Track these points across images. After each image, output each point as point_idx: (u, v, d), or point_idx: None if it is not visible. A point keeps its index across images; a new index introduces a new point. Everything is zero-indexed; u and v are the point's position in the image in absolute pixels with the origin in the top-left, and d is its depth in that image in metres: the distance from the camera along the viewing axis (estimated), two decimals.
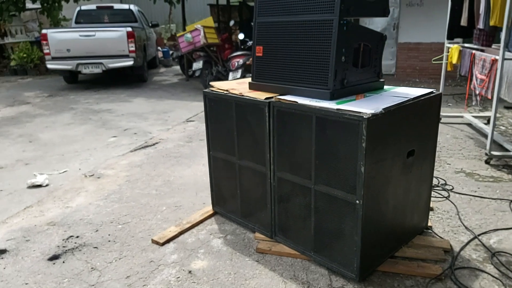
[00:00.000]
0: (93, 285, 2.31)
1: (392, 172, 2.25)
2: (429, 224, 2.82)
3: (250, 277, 2.34)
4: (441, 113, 5.44)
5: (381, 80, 2.61)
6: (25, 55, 11.01)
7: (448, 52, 5.21)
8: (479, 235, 2.70)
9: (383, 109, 2.04)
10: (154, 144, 4.94)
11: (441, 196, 3.29)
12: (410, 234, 2.61)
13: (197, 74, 8.52)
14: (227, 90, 2.68)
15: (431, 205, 3.09)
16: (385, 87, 2.67)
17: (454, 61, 4.94)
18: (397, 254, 2.49)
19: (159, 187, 3.65)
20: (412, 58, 8.92)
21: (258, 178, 2.62)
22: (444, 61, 5.31)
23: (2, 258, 2.61)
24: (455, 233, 2.74)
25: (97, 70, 8.71)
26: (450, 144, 4.59)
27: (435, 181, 3.57)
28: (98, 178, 3.92)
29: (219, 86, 2.79)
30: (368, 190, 2.08)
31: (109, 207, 3.29)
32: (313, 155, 2.24)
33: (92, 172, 4.07)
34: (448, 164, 4.02)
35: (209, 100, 2.82)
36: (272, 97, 2.43)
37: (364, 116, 1.94)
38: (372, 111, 1.98)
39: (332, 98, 2.25)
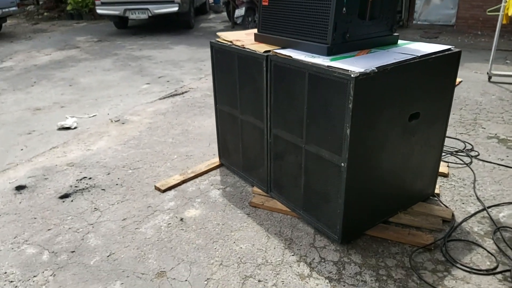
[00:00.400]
0: (91, 224, 2.48)
1: (388, 136, 2.11)
2: (437, 191, 2.67)
3: (236, 229, 2.38)
4: (492, 71, 4.98)
5: (395, 34, 2.39)
6: None
7: (506, 2, 4.63)
8: (489, 207, 2.52)
9: (377, 67, 1.89)
10: (182, 93, 5.00)
11: (462, 163, 3.07)
12: (410, 200, 2.49)
13: (238, 21, 8.34)
14: (231, 42, 2.60)
15: (447, 171, 2.92)
16: (400, 42, 2.45)
17: (510, 12, 4.39)
18: (391, 219, 2.40)
19: (176, 135, 3.73)
20: (476, 7, 8.05)
21: (257, 133, 2.59)
22: (500, 13, 4.74)
23: (21, 193, 2.85)
24: (463, 203, 2.57)
25: (143, 15, 8.80)
26: (492, 107, 4.21)
27: (461, 145, 3.33)
28: (123, 123, 4.08)
29: (225, 36, 2.72)
30: (356, 154, 1.99)
31: (126, 152, 3.44)
32: (305, 113, 2.15)
33: (118, 117, 4.24)
34: (483, 128, 3.71)
35: (215, 51, 2.76)
36: (271, 51, 2.32)
37: (352, 75, 1.81)
38: (362, 70, 1.84)
39: (330, 53, 2.11)
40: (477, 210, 2.50)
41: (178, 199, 2.71)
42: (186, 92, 5.05)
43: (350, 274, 2.03)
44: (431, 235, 2.26)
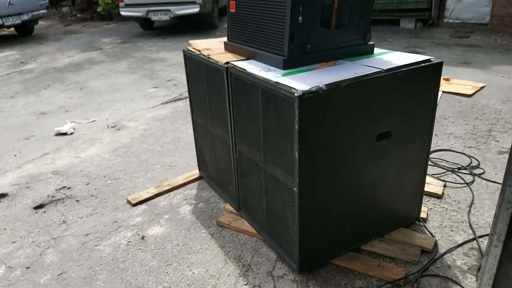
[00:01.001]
0: (54, 238, 2.44)
1: (349, 158, 1.90)
2: (424, 215, 2.41)
3: (195, 251, 2.25)
4: None
5: (370, 43, 2.17)
6: (110, 1, 11.60)
7: None
8: (481, 236, 2.24)
9: (328, 84, 1.69)
10: (186, 98, 4.93)
11: (462, 182, 2.77)
12: (388, 226, 2.26)
13: None
14: (199, 51, 2.47)
15: (441, 192, 2.65)
16: (378, 51, 2.21)
17: None
18: (364, 247, 2.18)
19: (166, 143, 3.66)
20: None
21: (226, 148, 2.45)
22: None
23: (0, 201, 2.87)
24: (452, 230, 2.31)
25: (165, 17, 8.84)
26: None
27: (466, 161, 3.03)
28: (118, 130, 4.06)
29: (195, 45, 2.59)
30: (309, 177, 1.80)
31: (111, 160, 3.40)
32: (261, 131, 1.99)
33: (116, 123, 4.22)
34: (496, 141, 3.36)
35: (188, 59, 2.64)
36: (229, 62, 2.17)
37: (295, 94, 1.63)
38: (307, 88, 1.65)
39: (286, 66, 1.93)
40: (466, 239, 2.23)
41: (146, 214, 2.62)
42: None
43: None
44: (403, 268, 2.02)
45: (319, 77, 1.78)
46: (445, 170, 2.94)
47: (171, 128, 3.99)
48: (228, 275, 2.07)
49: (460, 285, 1.92)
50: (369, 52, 2.17)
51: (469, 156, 3.10)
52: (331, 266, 2.09)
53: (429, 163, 2.97)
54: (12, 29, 9.97)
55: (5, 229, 2.55)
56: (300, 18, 1.86)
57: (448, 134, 3.51)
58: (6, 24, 8.58)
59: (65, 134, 4.01)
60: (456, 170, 2.94)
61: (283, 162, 1.87)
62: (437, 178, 2.82)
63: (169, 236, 2.39)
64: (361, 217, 2.11)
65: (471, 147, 3.27)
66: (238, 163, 2.33)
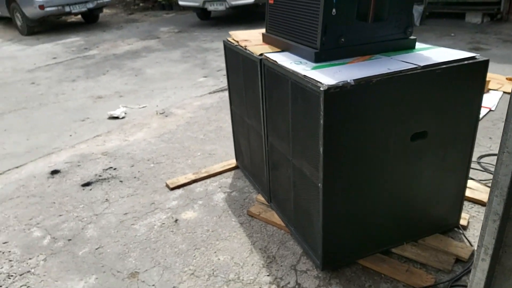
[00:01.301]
0: (96, 214, 2.61)
1: (380, 157, 1.85)
2: (465, 222, 2.29)
3: (223, 238, 2.31)
4: None
5: (411, 37, 2.07)
6: None
7: None
8: None
9: (357, 79, 1.65)
10: None
11: None
12: (423, 230, 2.17)
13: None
14: (237, 42, 2.50)
15: (487, 199, 2.49)
16: (421, 46, 2.11)
17: None
18: (395, 250, 2.12)
19: (208, 132, 3.75)
20: None
21: (259, 139, 2.47)
22: None
23: (53, 177, 3.11)
24: None
25: (221, 7, 8.95)
26: None
27: None
28: (166, 116, 4.22)
29: (235, 36, 2.62)
30: (334, 175, 1.78)
31: (156, 145, 3.55)
32: (290, 124, 1.98)
33: (164, 110, 4.39)
34: None
35: (227, 50, 2.69)
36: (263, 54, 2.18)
37: (321, 88, 1.61)
38: (334, 82, 1.62)
39: (318, 59, 1.91)
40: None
41: (182, 198, 2.72)
42: None
43: None
44: (433, 276, 1.94)
45: (349, 72, 1.74)
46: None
47: (215, 118, 4.08)
48: (252, 264, 2.10)
49: None
50: (410, 47, 2.08)
51: None
52: (357, 266, 2.05)
53: (479, 168, 2.81)
54: (79, 16, 10.61)
55: (54, 203, 2.77)
56: (334, 10, 1.82)
57: None
58: (73, 11, 9.15)
59: (117, 118, 4.23)
60: None
61: (309, 156, 1.85)
62: (485, 185, 2.65)
63: (200, 221, 2.47)
64: (392, 219, 2.05)
65: None
66: (270, 155, 2.34)
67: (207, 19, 10.33)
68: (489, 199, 0.77)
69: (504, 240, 0.80)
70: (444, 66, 1.79)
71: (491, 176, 2.74)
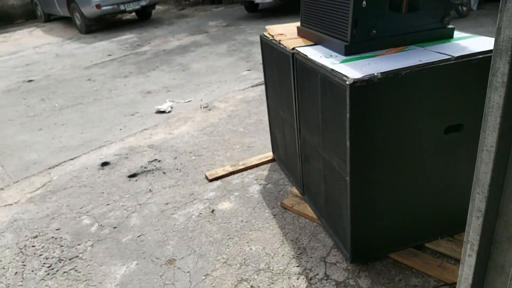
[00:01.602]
0: (140, 204, 2.77)
1: (411, 150, 1.81)
2: None
3: (256, 229, 2.37)
4: None
5: (449, 27, 1.99)
6: None
7: None
8: None
9: (384, 72, 1.62)
10: None
11: None
12: (460, 226, 2.08)
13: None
14: (273, 36, 2.52)
15: None
16: (460, 35, 2.03)
17: None
18: (428, 245, 2.07)
19: (248, 125, 3.82)
20: None
21: (293, 132, 2.49)
22: None
23: (103, 169, 3.33)
24: None
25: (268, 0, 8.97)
26: None
27: None
28: (209, 110, 4.34)
29: (271, 30, 2.64)
30: (362, 168, 1.77)
31: (199, 138, 3.68)
32: (320, 118, 1.99)
33: (208, 104, 4.52)
34: None
35: (264, 44, 2.72)
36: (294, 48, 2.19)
37: (347, 82, 1.60)
38: (360, 76, 1.60)
39: (349, 52, 1.89)
40: None
41: (219, 190, 2.81)
42: None
43: None
44: None
45: (379, 65, 1.71)
46: None
47: (256, 111, 4.13)
48: (283, 255, 2.15)
49: None
50: (448, 36, 2.00)
51: None
52: (388, 260, 2.03)
53: None
54: (134, 14, 11.08)
55: (103, 193, 2.97)
56: (364, 2, 1.80)
57: None
58: (127, 9, 9.58)
59: (163, 112, 4.42)
60: None
61: (338, 150, 1.86)
62: None
63: (235, 212, 2.54)
64: (426, 213, 2.00)
65: None
66: (302, 148, 2.36)
67: (254, 11, 10.38)
68: (471, 196, 0.75)
69: (494, 237, 0.78)
70: (481, 56, 1.71)
71: None
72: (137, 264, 2.22)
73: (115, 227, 2.55)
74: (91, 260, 2.30)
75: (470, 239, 0.79)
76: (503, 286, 0.78)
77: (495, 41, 0.66)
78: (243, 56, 6.31)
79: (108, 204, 2.81)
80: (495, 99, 0.65)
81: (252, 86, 4.92)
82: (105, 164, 3.41)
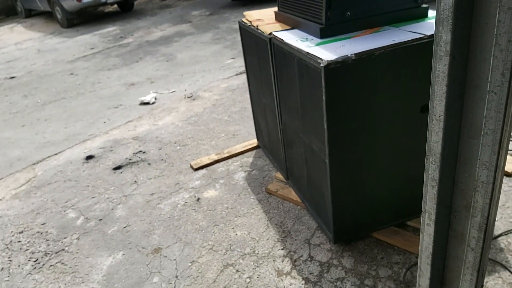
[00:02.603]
0: (125, 195, 2.77)
1: (387, 130, 1.83)
2: None
3: (242, 215, 2.39)
4: None
5: (423, 6, 2.00)
6: None
7: None
8: None
9: (358, 53, 1.63)
10: None
11: None
12: None
13: None
14: (250, 22, 2.51)
15: None
16: (433, 14, 2.04)
17: None
18: (410, 223, 2.11)
19: (233, 113, 3.81)
20: None
21: (275, 118, 2.50)
22: None
23: (88, 162, 3.31)
24: None
25: None
26: None
27: None
28: (194, 100, 4.32)
29: (249, 16, 2.63)
30: (340, 150, 1.79)
31: (183, 128, 3.67)
32: (299, 102, 2.00)
33: (192, 93, 4.50)
34: None
35: (242, 31, 2.71)
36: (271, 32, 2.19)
37: (321, 64, 1.61)
38: (334, 57, 1.61)
39: (324, 35, 1.89)
40: None
41: (204, 178, 2.82)
42: None
43: (331, 278, 1.88)
44: None
45: (353, 46, 1.72)
46: None
47: (240, 99, 4.13)
48: (268, 239, 2.17)
49: (510, 270, 1.78)
50: (422, 16, 2.01)
51: None
52: (370, 239, 2.07)
53: None
54: (116, 6, 10.92)
55: (88, 186, 2.96)
56: None
57: None
58: (109, 1, 9.44)
59: (147, 103, 4.39)
60: None
61: (317, 133, 1.87)
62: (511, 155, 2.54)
63: (221, 200, 2.56)
64: (406, 192, 2.03)
65: None
66: (284, 133, 2.37)
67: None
68: (425, 166, 0.77)
69: (452, 206, 0.80)
70: None
71: None
72: (124, 254, 2.23)
73: (101, 219, 2.55)
74: (77, 252, 2.31)
75: (428, 208, 0.81)
76: (464, 252, 0.80)
77: (437, 10, 0.67)
78: (228, 45, 6.27)
79: (93, 197, 2.81)
80: (440, 68, 0.66)
81: (237, 74, 4.90)
82: (89, 157, 3.39)
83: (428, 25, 1.86)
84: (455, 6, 0.59)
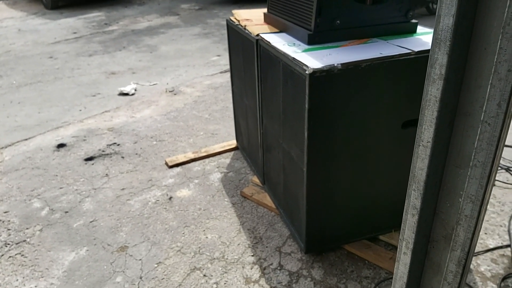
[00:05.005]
0: (95, 188, 2.67)
1: (368, 143, 1.81)
2: None
3: (214, 217, 2.33)
4: None
5: (412, 21, 1.99)
6: None
7: None
8: None
9: (344, 63, 1.60)
10: None
11: None
12: None
13: None
14: (239, 21, 2.46)
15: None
16: (423, 30, 2.03)
17: None
18: (382, 237, 2.10)
19: (214, 111, 3.75)
20: None
21: (256, 121, 2.45)
22: None
23: (59, 151, 3.19)
24: (486, 233, 2.11)
25: None
26: None
27: None
28: (175, 94, 4.23)
29: (237, 15, 2.58)
30: (318, 160, 1.75)
31: (162, 123, 3.58)
32: (281, 107, 1.96)
33: (174, 88, 4.40)
34: None
35: (230, 29, 2.65)
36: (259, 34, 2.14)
37: (307, 72, 1.57)
38: (320, 66, 1.57)
39: (312, 41, 1.86)
40: (499, 245, 2.03)
41: (179, 177, 2.75)
42: None
43: None
44: None
45: (340, 55, 1.69)
46: (499, 168, 2.66)
47: (223, 97, 4.07)
48: (238, 244, 2.12)
49: None
50: (411, 31, 2.00)
51: None
52: (342, 252, 2.04)
53: None
54: None
55: (56, 175, 2.85)
56: None
57: None
58: None
59: (127, 94, 4.28)
60: (511, 168, 2.65)
61: (297, 140, 1.83)
62: None
63: (194, 200, 2.49)
64: (381, 206, 2.01)
65: None
66: (264, 137, 2.33)
67: None
68: (407, 192, 0.74)
69: (431, 235, 0.77)
70: None
71: None
72: (87, 250, 2.14)
73: (67, 212, 2.45)
74: (39, 245, 2.20)
75: (406, 237, 0.78)
76: (440, 285, 0.77)
77: (434, 30, 0.63)
78: (215, 41, 6.20)
79: (61, 188, 2.70)
80: (432, 92, 0.63)
81: (221, 72, 4.84)
82: (61, 145, 3.26)
83: (416, 41, 1.84)
84: (454, 27, 0.56)
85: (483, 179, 0.65)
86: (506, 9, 0.53)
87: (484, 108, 0.61)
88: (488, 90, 0.59)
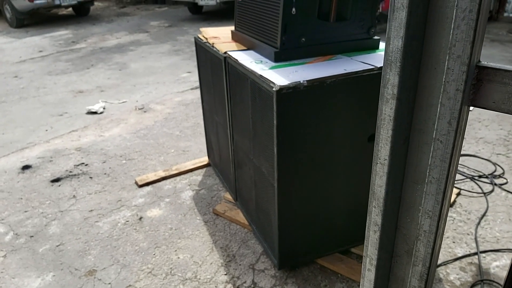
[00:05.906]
0: (61, 211, 2.58)
1: (336, 157, 1.83)
2: None
3: (186, 236, 2.29)
4: None
5: (375, 38, 2.05)
6: None
7: None
8: (484, 252, 2.09)
9: (310, 80, 1.63)
10: None
11: (479, 191, 2.59)
12: None
13: None
14: (206, 39, 2.47)
15: (453, 200, 2.49)
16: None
17: None
18: (354, 250, 2.12)
19: (185, 128, 3.72)
20: None
21: (226, 137, 2.45)
22: None
23: (24, 173, 3.08)
24: (454, 242, 2.17)
25: (212, 2, 8.91)
26: None
27: (491, 169, 2.82)
28: (145, 112, 4.19)
29: (205, 32, 2.59)
30: (288, 175, 1.76)
31: (131, 141, 3.52)
32: (250, 123, 1.96)
33: (143, 105, 4.36)
34: None
35: (198, 47, 2.66)
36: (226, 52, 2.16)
37: (274, 89, 1.59)
38: (287, 83, 1.60)
39: (278, 59, 1.89)
40: (467, 253, 2.09)
41: (149, 196, 2.70)
42: None
43: None
44: None
45: (306, 72, 1.72)
46: (464, 177, 2.75)
47: (194, 114, 4.05)
48: (211, 263, 2.09)
49: None
50: (374, 47, 2.06)
51: (495, 164, 2.88)
52: (315, 266, 2.05)
53: None
54: (70, 9, 10.53)
55: (21, 198, 2.74)
56: (294, 9, 1.80)
57: (478, 139, 3.27)
58: (63, 4, 9.07)
59: (95, 113, 4.20)
60: (476, 177, 2.74)
61: (267, 156, 1.84)
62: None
63: (165, 219, 2.45)
64: (350, 219, 2.04)
65: (499, 154, 3.03)
66: (235, 153, 2.33)
67: (198, 13, 10.28)
68: (368, 209, 0.76)
69: (394, 250, 0.79)
70: None
71: (460, 177, 2.74)
72: (54, 276, 2.06)
73: (32, 236, 2.36)
74: (2, 272, 2.10)
75: (369, 254, 0.79)
76: None
77: (385, 51, 0.66)
78: (185, 57, 6.19)
79: (26, 211, 2.60)
80: (386, 112, 0.65)
81: (192, 89, 4.83)
82: (26, 167, 3.16)
83: (378, 57, 1.90)
84: (403, 49, 0.58)
85: (439, 194, 0.67)
86: (451, 31, 0.56)
87: (435, 126, 0.63)
88: (438, 108, 0.61)
